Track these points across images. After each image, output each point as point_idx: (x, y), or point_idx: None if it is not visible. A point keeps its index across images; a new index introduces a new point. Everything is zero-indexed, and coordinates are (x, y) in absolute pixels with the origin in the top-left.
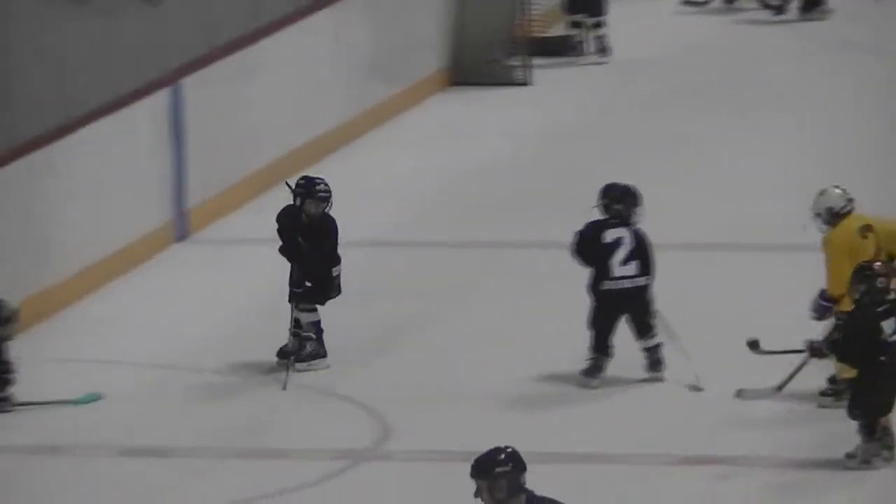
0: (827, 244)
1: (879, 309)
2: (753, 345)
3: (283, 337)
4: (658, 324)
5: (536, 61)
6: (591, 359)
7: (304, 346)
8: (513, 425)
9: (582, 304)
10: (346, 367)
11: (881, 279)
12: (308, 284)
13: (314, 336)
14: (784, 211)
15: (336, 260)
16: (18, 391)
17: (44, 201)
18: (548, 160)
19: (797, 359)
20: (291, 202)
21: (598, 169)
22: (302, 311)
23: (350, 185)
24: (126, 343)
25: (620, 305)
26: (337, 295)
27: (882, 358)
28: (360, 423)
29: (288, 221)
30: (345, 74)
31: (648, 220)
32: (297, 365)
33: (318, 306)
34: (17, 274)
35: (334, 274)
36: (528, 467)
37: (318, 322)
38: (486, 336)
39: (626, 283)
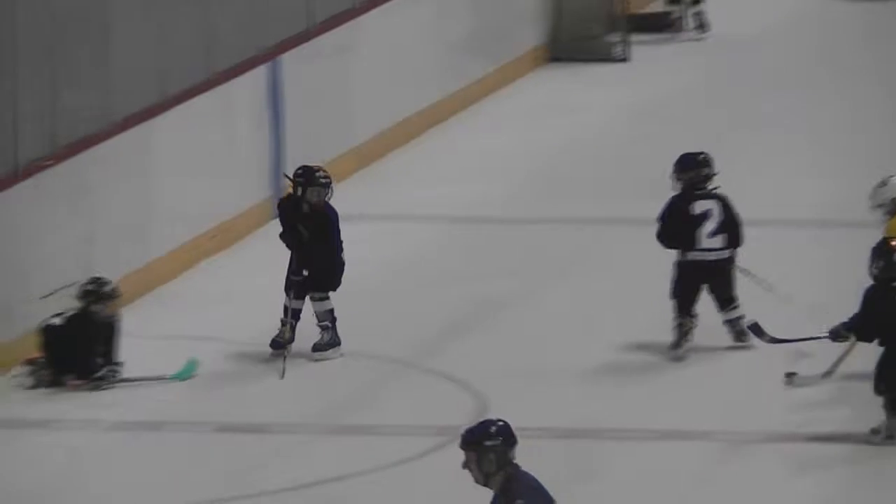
0: (888, 233)
1: (895, 283)
2: (755, 328)
3: (377, 314)
4: (751, 279)
5: (635, 37)
6: (676, 328)
7: (321, 336)
8: (606, 401)
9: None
10: (442, 345)
11: None
12: (305, 273)
13: (329, 325)
14: None
15: (340, 248)
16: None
17: (142, 178)
18: (645, 137)
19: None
20: (292, 192)
21: (695, 146)
22: (316, 300)
23: (447, 161)
24: (223, 320)
25: (702, 276)
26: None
27: None
28: (457, 399)
29: (289, 210)
30: (443, 51)
31: (740, 197)
32: (314, 354)
33: (330, 294)
34: (116, 251)
35: (344, 260)
36: (621, 444)
37: (332, 310)
38: (579, 312)
39: (711, 256)
